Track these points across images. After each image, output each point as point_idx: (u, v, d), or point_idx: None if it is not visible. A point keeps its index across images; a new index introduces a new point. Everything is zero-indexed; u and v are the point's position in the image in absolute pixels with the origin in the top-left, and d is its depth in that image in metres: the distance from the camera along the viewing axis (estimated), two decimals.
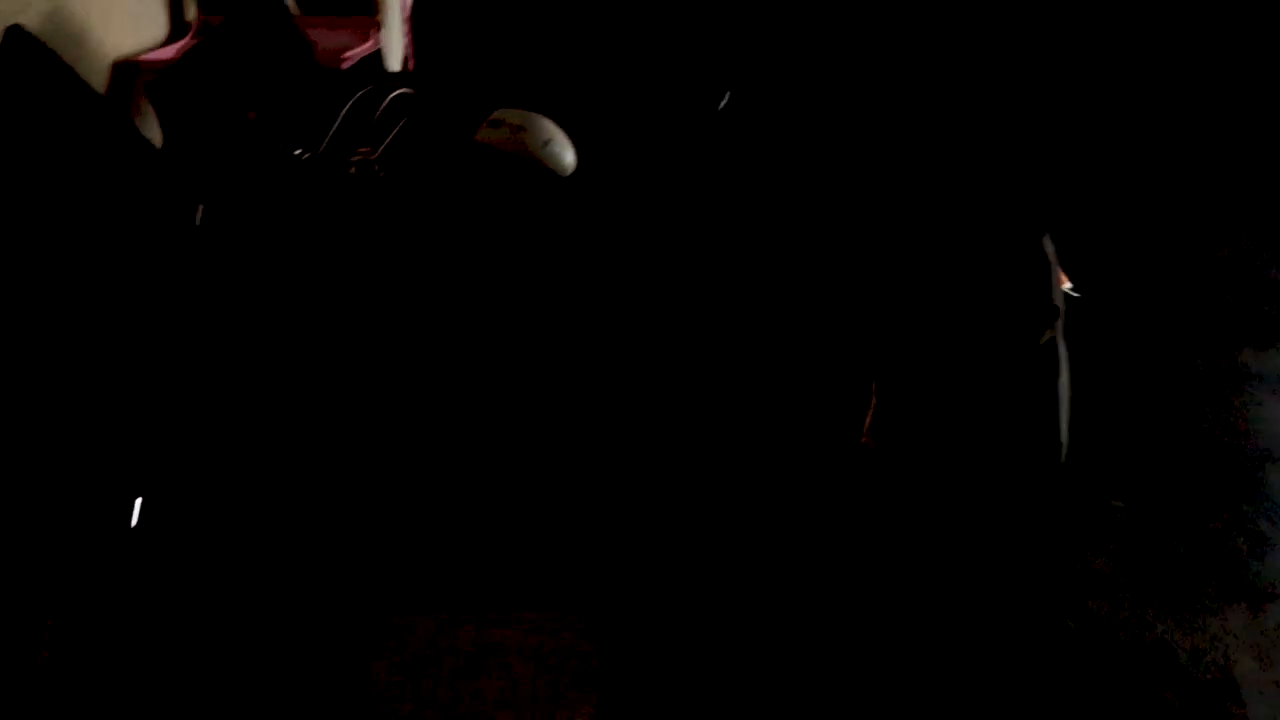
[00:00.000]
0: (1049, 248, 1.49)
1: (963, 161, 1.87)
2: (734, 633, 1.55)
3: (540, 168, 1.79)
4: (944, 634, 1.65)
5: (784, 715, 1.53)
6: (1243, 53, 2.84)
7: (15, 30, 1.50)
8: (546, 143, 1.79)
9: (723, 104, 2.09)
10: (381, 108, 1.85)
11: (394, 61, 2.05)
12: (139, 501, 1.50)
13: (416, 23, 2.17)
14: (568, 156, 1.82)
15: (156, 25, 2.18)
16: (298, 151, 1.82)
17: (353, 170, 1.80)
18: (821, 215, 1.82)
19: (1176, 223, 2.51)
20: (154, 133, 1.85)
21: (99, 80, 1.92)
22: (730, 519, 1.62)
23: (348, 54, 1.94)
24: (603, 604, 1.54)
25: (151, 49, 2.10)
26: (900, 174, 1.80)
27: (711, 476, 1.62)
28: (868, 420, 1.53)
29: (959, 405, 1.47)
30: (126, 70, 1.99)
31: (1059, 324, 1.47)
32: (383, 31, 1.98)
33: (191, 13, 2.21)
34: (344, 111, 1.86)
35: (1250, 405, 2.25)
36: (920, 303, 1.53)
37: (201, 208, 1.75)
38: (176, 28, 2.22)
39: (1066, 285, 2.32)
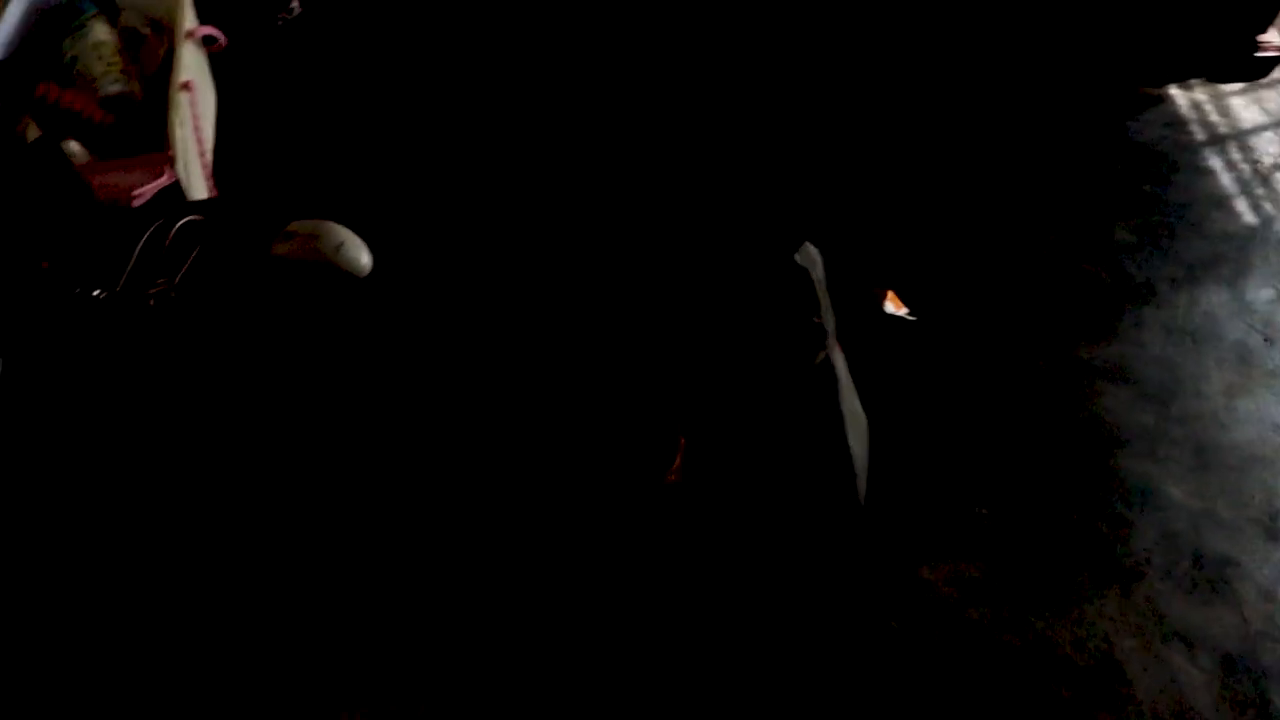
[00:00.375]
0: (817, 272, 1.53)
1: (709, 197, 1.93)
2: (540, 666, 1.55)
3: (337, 271, 1.80)
4: (765, 656, 1.67)
5: None
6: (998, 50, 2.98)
7: None
8: (339, 246, 1.80)
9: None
10: (170, 237, 1.84)
11: (195, 190, 2.04)
12: None
13: (218, 150, 2.19)
14: (363, 258, 1.82)
15: None
16: (96, 292, 1.80)
17: (152, 302, 1.78)
18: (609, 276, 1.87)
19: (979, 229, 2.59)
20: None
21: None
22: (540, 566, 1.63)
23: (139, 191, 1.93)
24: None
25: None
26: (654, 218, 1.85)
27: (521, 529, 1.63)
28: (677, 460, 1.54)
29: (750, 435, 1.49)
30: None
31: (830, 341, 1.50)
32: (179, 164, 1.97)
33: None
34: (139, 247, 1.85)
35: (1091, 396, 2.31)
36: (702, 341, 1.56)
37: (0, 360, 1.72)
38: None
39: (902, 310, 2.39)
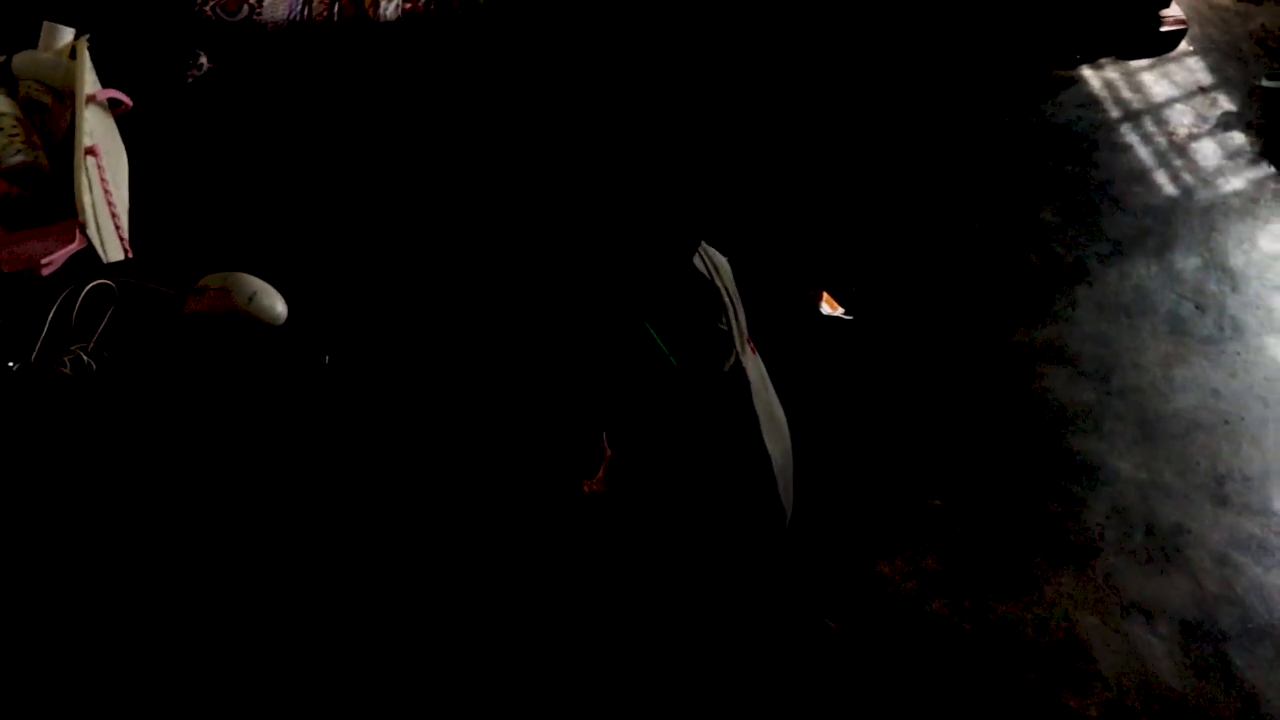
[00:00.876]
0: (722, 277, 1.53)
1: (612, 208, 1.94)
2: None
3: (253, 321, 1.77)
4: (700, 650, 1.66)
5: None
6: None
7: None
8: (252, 296, 1.77)
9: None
10: (78, 304, 1.80)
11: (109, 254, 2.01)
12: None
13: (134, 211, 2.16)
14: (278, 306, 1.80)
15: None
16: (9, 364, 1.76)
17: (66, 370, 1.74)
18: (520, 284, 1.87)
19: (906, 222, 2.60)
20: None
21: None
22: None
23: (48, 259, 1.89)
24: None
25: None
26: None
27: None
28: (601, 470, 1.54)
29: (666, 444, 1.48)
30: None
31: (741, 345, 1.50)
32: (90, 228, 1.94)
33: None
34: (50, 315, 1.81)
35: (1032, 378, 2.32)
36: (609, 350, 1.55)
37: None
38: None
39: (838, 310, 2.39)
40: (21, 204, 2.15)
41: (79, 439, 1.70)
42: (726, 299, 1.48)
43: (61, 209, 2.12)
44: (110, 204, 2.14)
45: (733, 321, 1.48)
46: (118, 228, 2.14)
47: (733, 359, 1.45)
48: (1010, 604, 2.00)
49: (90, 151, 2.11)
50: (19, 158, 2.12)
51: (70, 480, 1.68)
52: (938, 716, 1.81)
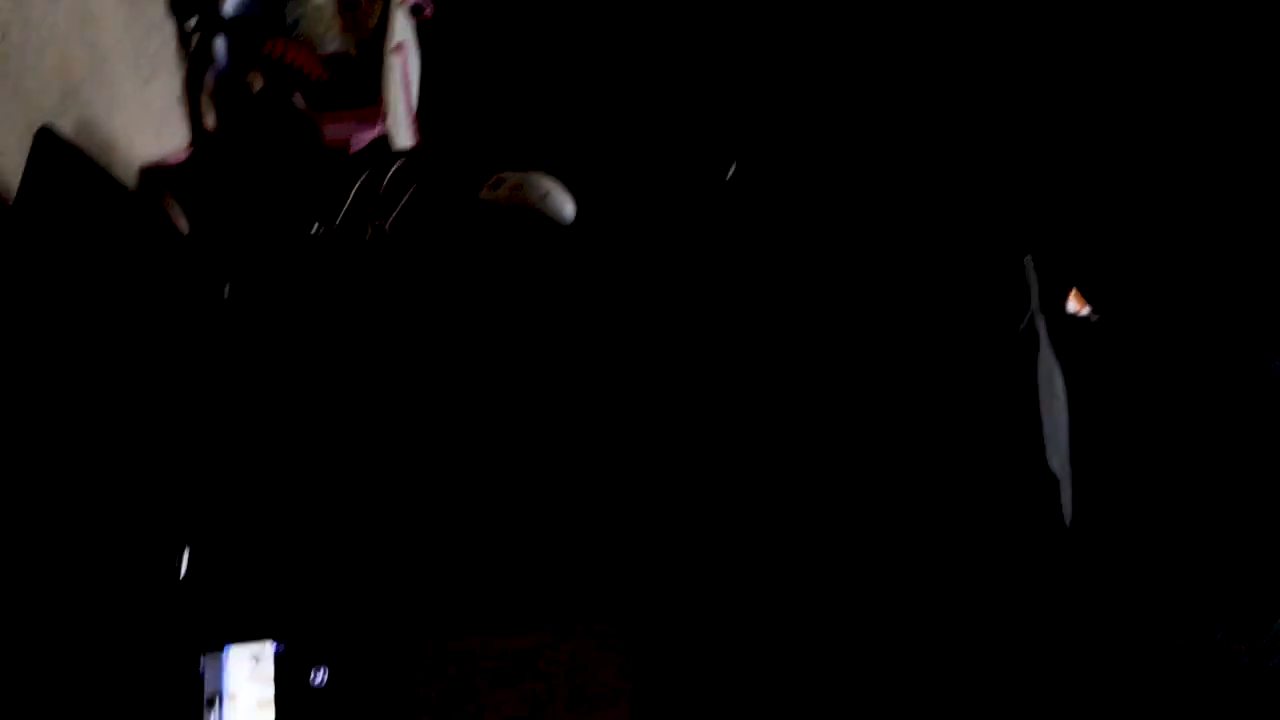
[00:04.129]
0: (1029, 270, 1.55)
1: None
2: (755, 634, 1.58)
3: (541, 218, 1.89)
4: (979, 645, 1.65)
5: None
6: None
7: (45, 132, 1.61)
8: (545, 195, 1.89)
9: (730, 174, 2.19)
10: (386, 180, 1.96)
11: (400, 142, 2.18)
12: (186, 552, 1.58)
13: (422, 104, 2.33)
14: (567, 207, 1.92)
15: (178, 135, 2.33)
16: (314, 229, 1.93)
17: (367, 239, 1.91)
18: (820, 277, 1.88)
19: (1168, 232, 2.53)
20: (181, 223, 1.97)
21: (127, 183, 2.05)
22: (752, 527, 1.66)
23: (356, 139, 2.07)
24: (629, 613, 1.58)
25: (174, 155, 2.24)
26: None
27: (732, 486, 1.67)
28: None
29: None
30: (152, 174, 2.13)
31: (1035, 304, 1.52)
32: (389, 118, 2.11)
33: (210, 121, 2.36)
34: (354, 189, 1.98)
35: None
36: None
37: (228, 285, 1.86)
38: (197, 136, 2.37)
39: (1084, 309, 2.36)
40: (328, 88, 2.35)
41: (368, 302, 1.85)
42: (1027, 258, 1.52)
43: (363, 96, 2.31)
44: (408, 97, 2.32)
45: (1032, 276, 1.51)
46: (411, 120, 2.32)
47: (1027, 318, 1.49)
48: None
49: (397, 49, 2.29)
50: (335, 45, 2.32)
51: (355, 334, 1.82)
52: None
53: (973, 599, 1.55)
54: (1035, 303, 1.53)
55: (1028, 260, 1.56)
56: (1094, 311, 2.31)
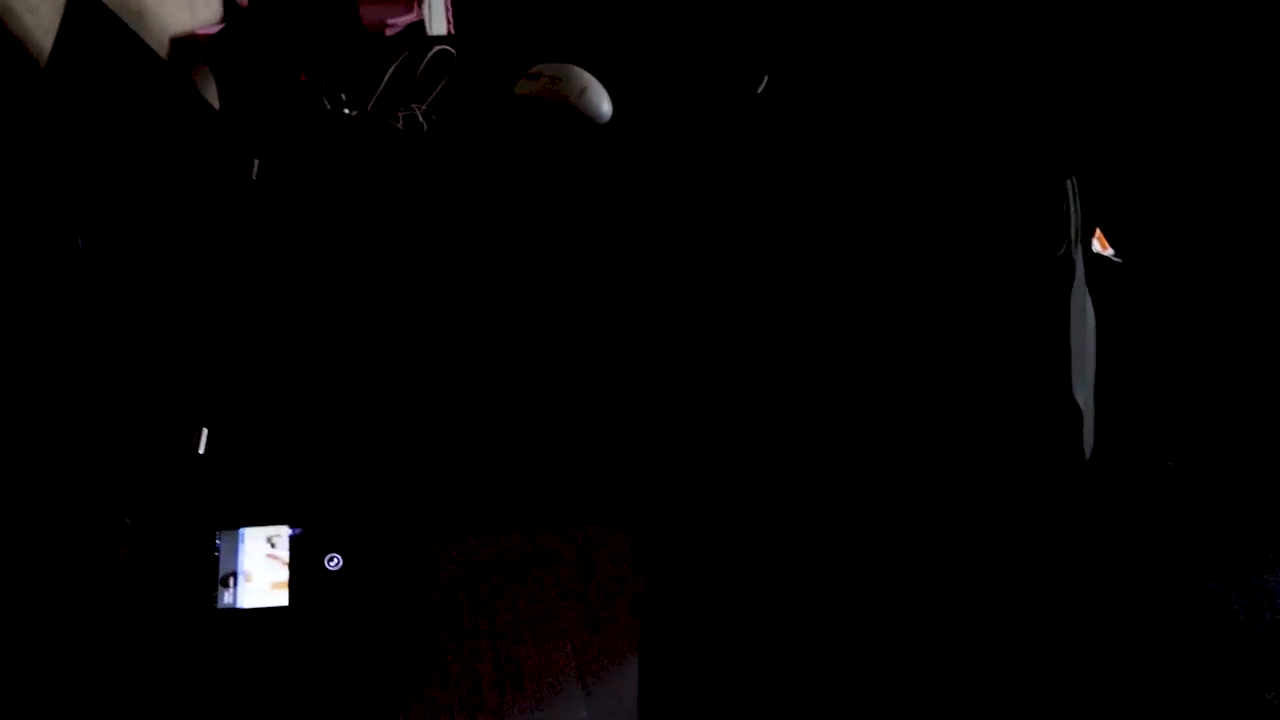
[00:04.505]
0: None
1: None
2: (768, 554, 1.59)
3: (577, 115, 1.86)
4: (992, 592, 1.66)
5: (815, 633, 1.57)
6: None
7: None
8: (582, 91, 1.86)
9: (761, 88, 2.15)
10: (423, 65, 1.93)
11: (435, 28, 2.14)
12: (205, 431, 1.59)
13: None
14: (604, 105, 1.89)
15: (210, 8, 2.29)
16: (347, 110, 1.91)
17: (399, 124, 1.88)
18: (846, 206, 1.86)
19: (1205, 181, 2.48)
20: (211, 96, 1.95)
21: (159, 52, 2.02)
22: (771, 441, 1.67)
23: (392, 22, 2.03)
24: (641, 518, 1.60)
25: (205, 28, 2.20)
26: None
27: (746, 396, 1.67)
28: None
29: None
30: (183, 45, 2.09)
31: (1073, 235, 1.49)
32: (425, 2, 2.07)
33: None
34: (389, 72, 1.95)
35: None
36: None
37: (257, 162, 1.85)
38: (229, 10, 2.33)
39: (1108, 250, 2.33)
40: None
41: (398, 188, 1.84)
42: (1070, 182, 1.49)
43: None
44: None
45: (1073, 208, 1.48)
46: (446, 6, 2.27)
47: (1064, 248, 1.47)
48: (1223, 583, 1.95)
49: None
50: None
51: (382, 220, 1.81)
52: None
53: (987, 520, 1.56)
54: (1075, 231, 1.51)
55: (1070, 183, 1.53)
56: (1118, 253, 2.29)
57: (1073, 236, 1.49)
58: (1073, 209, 1.52)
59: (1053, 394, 1.58)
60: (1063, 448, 1.58)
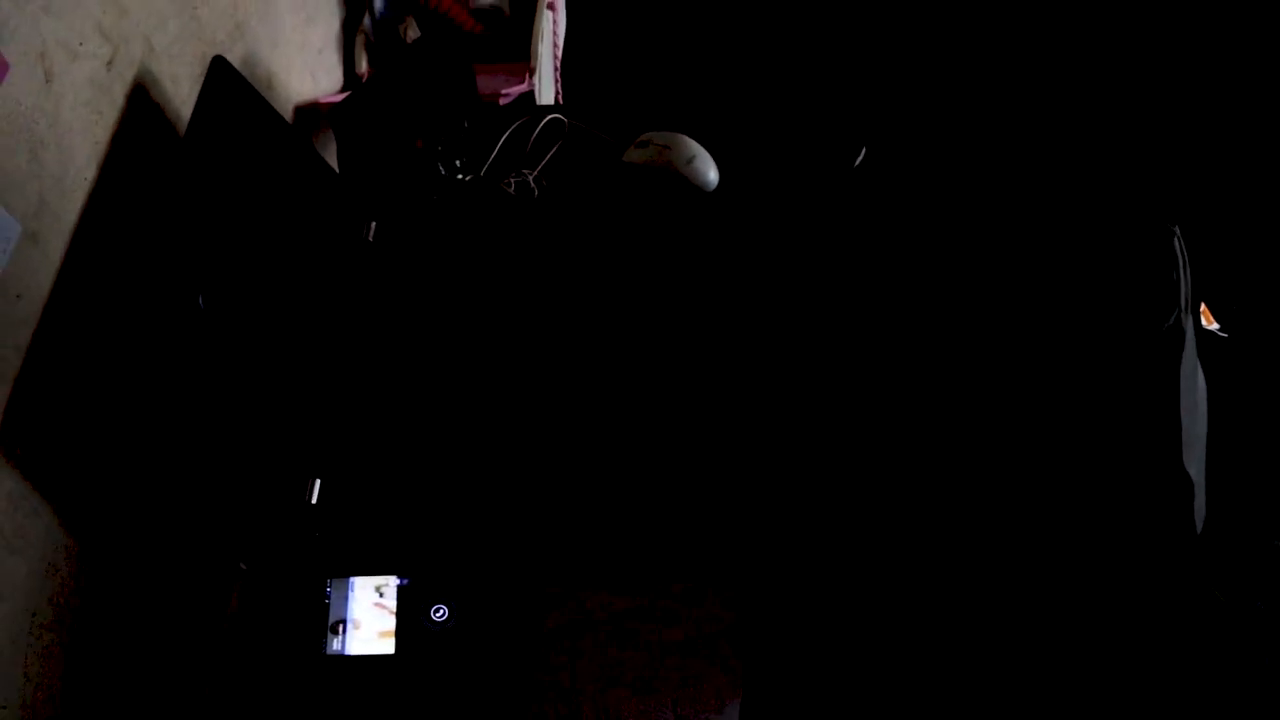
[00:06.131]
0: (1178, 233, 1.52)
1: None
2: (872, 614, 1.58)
3: (685, 183, 1.90)
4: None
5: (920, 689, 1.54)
6: None
7: (219, 61, 1.68)
8: (690, 160, 1.90)
9: (859, 160, 2.18)
10: (536, 133, 1.99)
11: (544, 98, 2.21)
12: (317, 482, 1.63)
13: (566, 64, 2.35)
14: (711, 173, 1.92)
15: (332, 78, 2.40)
16: (461, 175, 1.97)
17: (511, 189, 1.94)
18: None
19: None
20: (332, 160, 2.03)
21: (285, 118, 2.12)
22: (871, 509, 1.66)
23: (506, 92, 2.10)
24: (744, 578, 1.60)
25: (327, 96, 2.31)
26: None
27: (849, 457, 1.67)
28: None
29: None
30: (306, 112, 2.19)
31: (1183, 304, 1.48)
32: (536, 74, 2.14)
33: (363, 66, 2.42)
34: (503, 139, 2.02)
35: None
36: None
37: (374, 224, 1.92)
38: (349, 80, 2.44)
39: (1213, 325, 2.29)
40: (478, 41, 2.40)
41: (510, 250, 1.89)
42: (1179, 249, 1.48)
43: (513, 51, 2.35)
44: (555, 55, 2.35)
45: (1183, 276, 1.47)
46: (556, 78, 2.35)
47: (1174, 317, 1.45)
48: None
49: (550, 6, 2.32)
50: (490, 0, 2.35)
51: (495, 282, 1.86)
52: None
53: (1103, 593, 1.53)
54: (1185, 299, 1.50)
55: (1180, 250, 1.52)
56: (1223, 328, 2.25)
57: (1183, 304, 1.48)
58: (1182, 276, 1.51)
59: (1164, 465, 1.55)
60: (1174, 519, 1.54)
